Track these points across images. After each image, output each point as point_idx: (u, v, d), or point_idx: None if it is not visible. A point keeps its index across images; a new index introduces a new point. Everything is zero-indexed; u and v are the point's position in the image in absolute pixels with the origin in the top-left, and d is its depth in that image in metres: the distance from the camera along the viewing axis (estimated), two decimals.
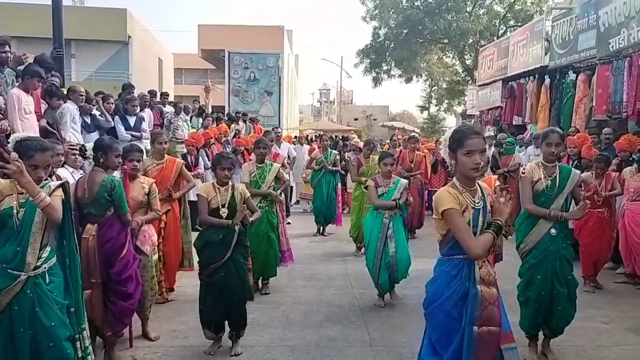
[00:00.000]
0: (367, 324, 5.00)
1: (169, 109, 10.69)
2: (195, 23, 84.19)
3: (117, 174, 4.07)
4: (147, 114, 9.01)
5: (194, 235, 5.54)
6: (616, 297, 5.95)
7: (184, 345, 4.44)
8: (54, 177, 4.05)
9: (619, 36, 8.55)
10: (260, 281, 5.92)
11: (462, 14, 27.96)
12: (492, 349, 2.70)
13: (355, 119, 44.34)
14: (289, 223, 10.13)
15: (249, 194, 4.53)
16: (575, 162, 7.28)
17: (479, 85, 16.44)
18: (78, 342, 3.12)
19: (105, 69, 24.31)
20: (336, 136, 21.79)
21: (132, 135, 7.81)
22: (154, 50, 28.25)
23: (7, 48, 6.14)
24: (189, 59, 33.80)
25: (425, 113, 43.94)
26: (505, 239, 4.18)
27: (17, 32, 19.62)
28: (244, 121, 13.94)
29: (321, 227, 9.50)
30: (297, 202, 12.58)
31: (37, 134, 5.43)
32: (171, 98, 15.19)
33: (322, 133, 15.91)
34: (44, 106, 6.49)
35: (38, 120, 6.11)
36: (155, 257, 4.64)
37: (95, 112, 7.62)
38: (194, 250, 4.70)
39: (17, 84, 6.10)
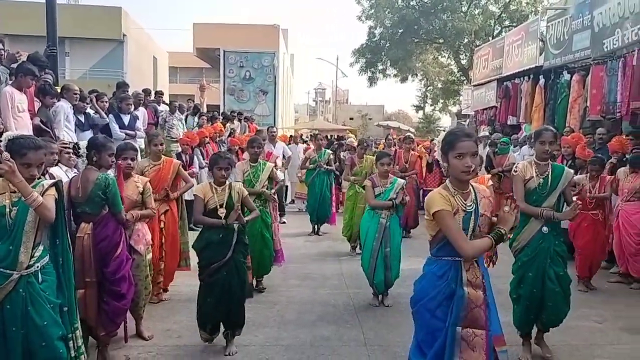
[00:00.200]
0: (361, 323, 5.00)
1: (163, 107, 10.66)
2: (191, 21, 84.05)
3: (111, 173, 4.05)
4: (142, 112, 8.99)
5: (191, 235, 5.55)
6: (610, 297, 5.98)
7: (178, 345, 4.43)
8: (47, 176, 4.03)
9: (613, 37, 8.59)
10: (254, 279, 5.91)
11: (457, 14, 27.98)
12: (478, 351, 2.69)
13: (351, 119, 44.32)
14: (284, 222, 10.16)
15: (246, 193, 4.53)
16: (570, 162, 7.30)
17: (474, 85, 16.47)
18: (71, 342, 3.11)
19: (100, 67, 24.20)
20: (331, 136, 21.80)
21: (126, 134, 7.79)
22: (149, 48, 28.16)
23: (0, 46, 6.11)
24: (184, 58, 33.70)
25: (421, 113, 44.05)
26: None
27: (10, 30, 19.56)
28: (239, 120, 13.92)
29: (316, 227, 9.50)
30: (292, 201, 12.58)
31: (31, 133, 5.40)
32: (166, 97, 15.17)
33: (317, 133, 15.88)
34: (37, 104, 6.46)
35: (31, 119, 6.08)
36: (149, 256, 4.61)
37: (89, 110, 7.59)
38: (191, 249, 4.69)
39: (10, 82, 6.07)
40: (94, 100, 7.77)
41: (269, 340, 4.56)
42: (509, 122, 12.68)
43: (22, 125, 5.72)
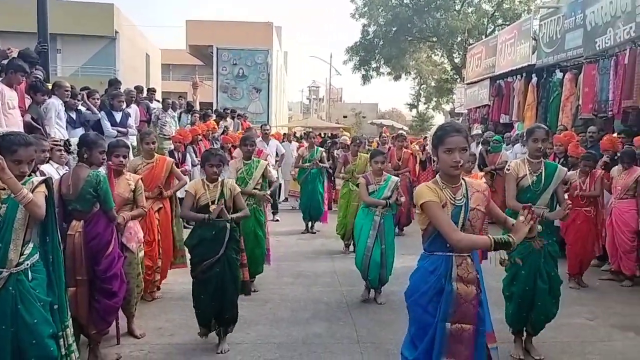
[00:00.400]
0: (354, 320, 5.00)
1: (156, 104, 10.62)
2: (183, 18, 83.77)
3: (102, 170, 4.02)
4: (134, 109, 8.95)
5: (185, 232, 5.52)
6: (601, 294, 6.01)
7: (170, 343, 4.41)
8: (37, 173, 4.00)
9: (605, 35, 8.63)
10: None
11: (450, 13, 28.08)
12: (467, 346, 2.69)
13: (345, 117, 44.29)
14: (277, 220, 10.15)
15: (238, 190, 4.50)
16: (562, 160, 7.33)
17: (467, 84, 16.52)
18: (61, 340, 3.08)
19: (92, 64, 24.04)
20: (325, 134, 21.79)
21: (118, 131, 7.74)
22: (141, 45, 28.00)
23: None
24: (176, 55, 33.55)
25: (414, 111, 44.13)
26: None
27: (1, 27, 19.41)
28: (232, 118, 13.89)
29: (309, 225, 9.48)
30: (286, 199, 12.56)
31: (21, 130, 5.36)
32: (158, 94, 15.09)
33: (309, 130, 15.87)
34: (28, 101, 6.41)
35: (22, 116, 6.03)
36: (142, 254, 4.59)
37: (81, 107, 7.54)
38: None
39: (0, 78, 6.01)
40: (85, 97, 7.72)
41: (261, 337, 4.55)
42: (501, 121, 12.72)
43: (13, 123, 5.67)
